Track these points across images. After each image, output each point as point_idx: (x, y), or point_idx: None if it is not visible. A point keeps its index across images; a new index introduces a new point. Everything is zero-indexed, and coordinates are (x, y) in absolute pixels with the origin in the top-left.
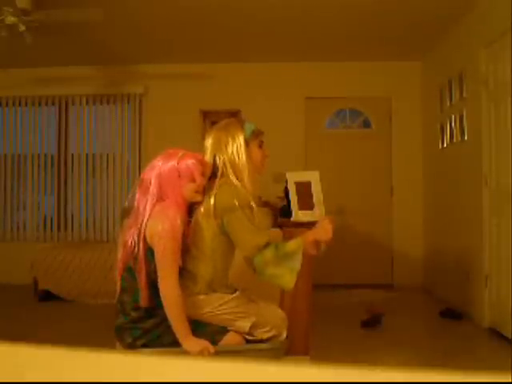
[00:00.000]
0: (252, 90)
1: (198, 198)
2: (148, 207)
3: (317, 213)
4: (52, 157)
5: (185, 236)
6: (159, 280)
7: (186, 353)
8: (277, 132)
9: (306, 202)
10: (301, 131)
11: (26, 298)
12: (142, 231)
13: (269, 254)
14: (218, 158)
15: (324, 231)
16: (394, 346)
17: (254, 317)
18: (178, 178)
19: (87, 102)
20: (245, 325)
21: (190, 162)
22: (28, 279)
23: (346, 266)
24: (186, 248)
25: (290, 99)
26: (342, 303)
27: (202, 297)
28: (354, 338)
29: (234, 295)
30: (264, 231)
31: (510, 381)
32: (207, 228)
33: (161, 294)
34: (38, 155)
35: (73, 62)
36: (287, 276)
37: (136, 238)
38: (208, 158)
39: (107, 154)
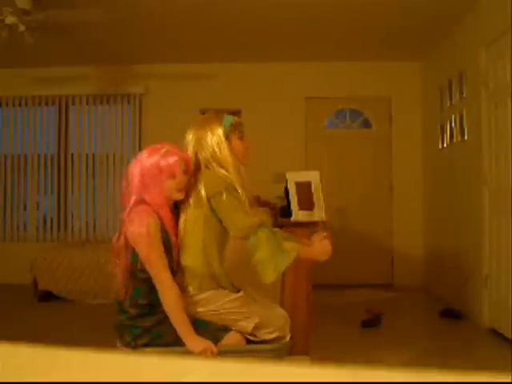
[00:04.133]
0: (252, 89)
1: (179, 195)
2: (129, 207)
3: (317, 213)
4: (52, 157)
5: (173, 233)
6: (156, 285)
7: (188, 352)
8: (277, 132)
9: (306, 202)
10: (301, 131)
11: (26, 297)
12: (124, 231)
13: (263, 236)
14: (199, 155)
15: (323, 252)
16: (394, 346)
17: (258, 317)
18: (159, 174)
19: (87, 102)
20: (248, 325)
21: (171, 159)
22: (28, 279)
23: (346, 265)
24: (179, 245)
25: (290, 99)
26: (342, 303)
27: (205, 294)
28: (354, 338)
29: (239, 295)
30: (256, 212)
31: (509, 381)
32: (198, 218)
33: (160, 298)
34: (38, 155)
35: (73, 61)
36: (270, 269)
37: (118, 236)
38: (190, 154)
39: (107, 154)
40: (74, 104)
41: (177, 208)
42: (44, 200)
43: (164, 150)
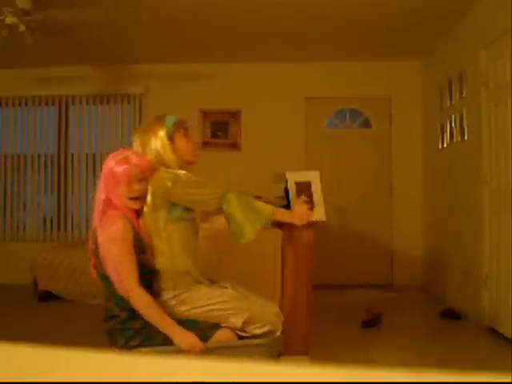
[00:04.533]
0: (252, 89)
1: (133, 204)
2: (97, 212)
3: (317, 213)
4: (52, 157)
5: (144, 235)
6: (120, 289)
7: (178, 351)
8: (277, 132)
9: (306, 202)
10: (301, 131)
11: (25, 297)
12: (95, 236)
13: (234, 199)
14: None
15: (300, 216)
16: (394, 346)
17: (247, 313)
18: (113, 179)
19: (87, 102)
20: (237, 321)
21: (123, 166)
22: (28, 279)
23: (346, 265)
24: (148, 250)
25: (290, 99)
26: (342, 303)
27: (187, 293)
28: (354, 338)
29: (225, 290)
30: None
31: (509, 381)
32: (157, 220)
33: (132, 304)
34: (38, 155)
35: (73, 61)
36: (247, 227)
37: (91, 242)
38: None
39: (107, 154)
40: (74, 104)
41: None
42: (44, 200)
43: (121, 156)
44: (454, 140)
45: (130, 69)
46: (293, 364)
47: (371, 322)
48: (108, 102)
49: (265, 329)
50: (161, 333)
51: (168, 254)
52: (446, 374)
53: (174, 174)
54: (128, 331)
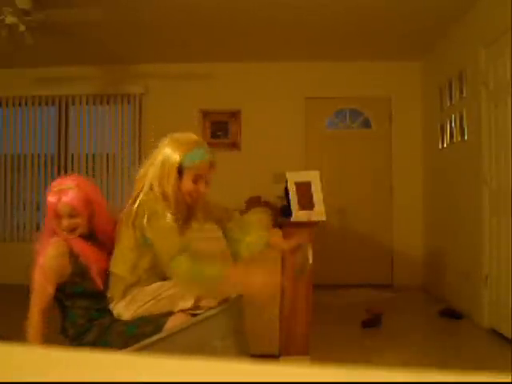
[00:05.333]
0: (252, 89)
1: (70, 235)
2: (41, 237)
3: (317, 213)
4: (52, 157)
5: (93, 259)
6: (30, 310)
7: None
8: (277, 132)
9: (306, 202)
10: (301, 131)
11: (26, 298)
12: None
13: (184, 266)
14: (149, 170)
15: (259, 289)
16: (394, 346)
17: (196, 290)
18: (48, 208)
19: (87, 102)
20: (186, 302)
21: (52, 200)
22: (27, 279)
23: (346, 266)
24: (104, 269)
25: (290, 99)
26: (342, 303)
27: (130, 295)
28: (354, 338)
29: (166, 281)
30: (181, 239)
31: (509, 381)
32: (128, 238)
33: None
34: (38, 155)
35: (73, 61)
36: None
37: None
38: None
39: (107, 154)
40: (73, 104)
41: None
42: (44, 200)
43: (56, 188)
44: (454, 140)
45: (130, 69)
46: (293, 364)
47: (371, 322)
48: (108, 102)
49: (218, 299)
50: (119, 337)
51: (121, 265)
52: (446, 374)
53: (153, 209)
54: (86, 345)
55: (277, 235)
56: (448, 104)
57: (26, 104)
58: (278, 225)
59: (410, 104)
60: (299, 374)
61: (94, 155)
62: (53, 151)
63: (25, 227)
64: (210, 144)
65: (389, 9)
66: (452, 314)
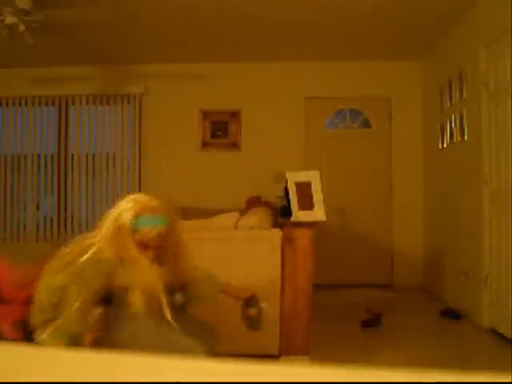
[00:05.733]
0: (252, 89)
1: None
2: None
3: (317, 213)
4: (52, 157)
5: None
6: None
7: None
8: (277, 132)
9: (306, 202)
10: (301, 131)
11: None
12: None
13: (51, 342)
14: (104, 224)
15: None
16: (394, 346)
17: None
18: None
19: (87, 102)
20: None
21: None
22: None
23: (346, 266)
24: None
25: (290, 99)
26: (342, 303)
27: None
28: (353, 338)
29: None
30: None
31: (509, 381)
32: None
33: None
34: (38, 155)
35: (73, 61)
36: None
37: None
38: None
39: (107, 154)
40: (73, 104)
41: None
42: (44, 200)
43: None
44: (454, 140)
45: (130, 69)
46: (293, 364)
47: (371, 322)
48: (108, 102)
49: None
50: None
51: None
52: (446, 374)
53: (81, 267)
54: None
55: (231, 285)
56: (448, 104)
57: (25, 104)
58: (278, 225)
59: (409, 104)
60: (299, 374)
61: (93, 155)
62: (53, 151)
63: (25, 227)
64: (210, 144)
65: (388, 8)
66: (452, 314)
